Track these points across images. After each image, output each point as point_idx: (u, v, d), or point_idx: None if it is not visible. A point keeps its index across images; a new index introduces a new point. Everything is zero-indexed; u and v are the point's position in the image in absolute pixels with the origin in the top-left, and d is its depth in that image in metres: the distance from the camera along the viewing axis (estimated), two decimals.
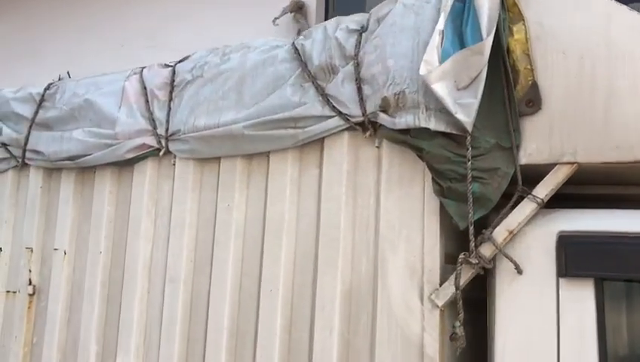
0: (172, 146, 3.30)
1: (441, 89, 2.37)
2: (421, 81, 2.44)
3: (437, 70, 2.37)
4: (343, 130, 2.79)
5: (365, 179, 2.76)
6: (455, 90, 2.40)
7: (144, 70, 3.52)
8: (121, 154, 3.39)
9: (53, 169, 3.83)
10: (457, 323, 2.36)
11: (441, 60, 2.40)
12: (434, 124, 2.44)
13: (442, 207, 2.54)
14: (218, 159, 3.20)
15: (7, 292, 3.90)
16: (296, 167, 2.95)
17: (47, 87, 3.89)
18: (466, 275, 2.43)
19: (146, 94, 3.43)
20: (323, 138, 2.85)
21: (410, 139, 2.53)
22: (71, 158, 3.59)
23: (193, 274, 3.18)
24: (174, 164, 3.34)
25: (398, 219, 2.62)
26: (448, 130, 2.44)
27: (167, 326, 3.17)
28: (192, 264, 3.19)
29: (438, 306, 2.47)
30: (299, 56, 2.92)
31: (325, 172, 2.83)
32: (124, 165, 3.50)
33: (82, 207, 3.68)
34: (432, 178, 2.53)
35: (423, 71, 2.37)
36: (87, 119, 3.60)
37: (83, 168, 3.68)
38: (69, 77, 4.18)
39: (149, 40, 6.34)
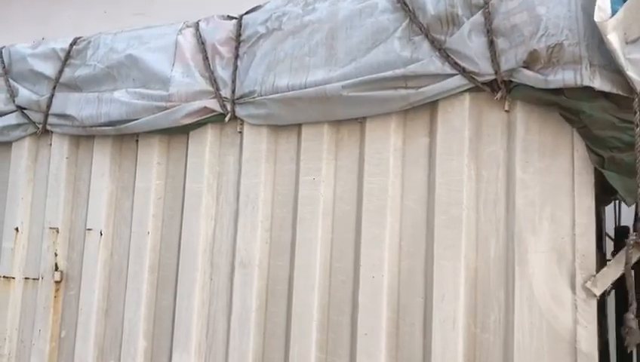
0: (240, 111, 2.84)
1: (615, 41, 2.01)
2: (588, 32, 2.07)
3: (612, 18, 2.01)
4: (463, 92, 2.40)
5: (491, 148, 2.38)
6: (624, 43, 2.05)
7: (200, 23, 3.03)
8: (177, 119, 2.91)
9: (82, 137, 3.32)
10: (630, 315, 2.02)
11: (612, 7, 2.04)
12: (599, 83, 2.08)
13: (596, 181, 2.19)
14: (297, 126, 2.77)
15: (26, 279, 3.36)
16: (400, 134, 2.55)
17: (74, 42, 3.35)
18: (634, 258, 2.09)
19: (205, 50, 2.95)
20: (435, 101, 2.45)
21: (565, 101, 2.16)
22: (111, 124, 3.08)
23: (269, 257, 2.75)
24: (241, 132, 2.88)
25: (539, 195, 2.25)
26: (614, 91, 2.08)
27: (239, 318, 2.73)
28: (268, 246, 2.76)
29: (595, 295, 2.13)
30: (404, 5, 2.51)
31: (440, 140, 2.44)
32: (176, 132, 3.02)
33: (121, 180, 3.19)
34: (588, 146, 2.17)
35: (597, 18, 2.00)
36: (130, 78, 3.10)
37: (121, 136, 3.19)
38: None
39: (136, 7, 5.86)
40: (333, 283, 2.60)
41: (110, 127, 3.09)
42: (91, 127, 3.15)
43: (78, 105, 3.18)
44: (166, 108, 2.93)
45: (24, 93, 3.40)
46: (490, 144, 2.38)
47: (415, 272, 2.44)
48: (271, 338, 2.69)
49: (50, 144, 3.41)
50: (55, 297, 3.24)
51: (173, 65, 2.97)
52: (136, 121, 3.00)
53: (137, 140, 3.15)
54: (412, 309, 2.43)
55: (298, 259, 2.65)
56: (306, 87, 2.62)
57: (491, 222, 2.34)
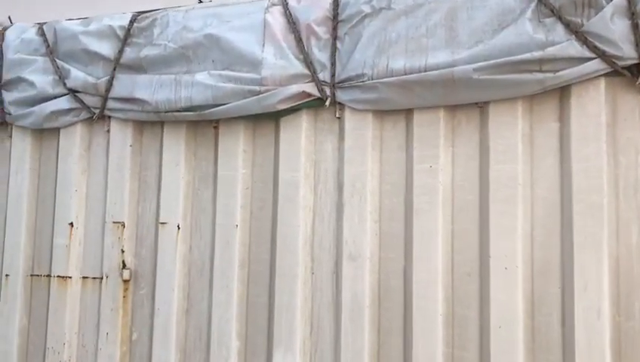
0: (342, 95, 2.68)
1: None
2: None
3: None
4: (598, 76, 2.34)
5: (629, 133, 2.34)
6: None
7: (289, 0, 2.83)
8: (272, 104, 2.72)
9: (146, 123, 3.06)
10: None
11: None
12: None
13: None
14: (404, 112, 2.64)
15: (84, 278, 3.08)
16: (527, 119, 2.47)
17: (134, 19, 3.07)
18: None
19: (297, 30, 2.76)
20: (566, 85, 2.38)
21: None
22: (192, 109, 2.85)
23: (379, 249, 2.62)
24: (339, 117, 2.72)
25: None
26: None
27: (350, 314, 2.59)
28: (378, 238, 2.62)
29: None
30: None
31: (575, 126, 2.37)
32: (263, 118, 2.82)
33: (198, 169, 2.96)
34: None
35: None
36: (209, 60, 2.87)
37: (195, 122, 2.95)
38: (11, 22, 3.37)
39: None
40: (456, 276, 2.50)
41: (191, 113, 2.85)
42: (167, 112, 2.89)
43: (149, 88, 2.92)
44: (259, 93, 2.72)
45: (77, 75, 3.09)
46: (627, 129, 2.34)
47: (551, 262, 2.38)
48: (387, 335, 2.56)
49: (108, 130, 3.13)
50: (124, 297, 2.99)
51: (263, 46, 2.77)
52: (223, 107, 2.78)
53: (217, 126, 2.92)
54: (549, 300, 2.36)
55: (416, 252, 2.53)
56: (426, 70, 2.49)
57: (632, 209, 2.30)
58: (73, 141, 3.17)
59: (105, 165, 3.12)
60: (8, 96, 3.26)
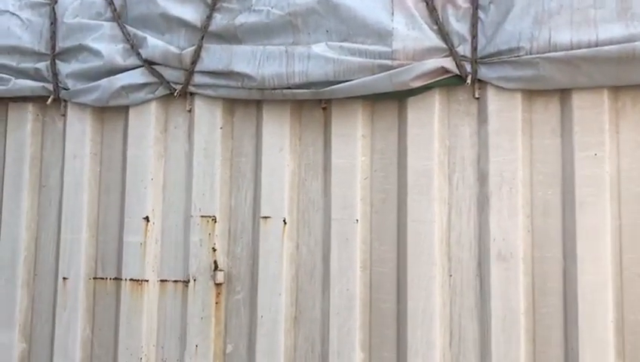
0: (488, 72, 2.37)
1: None
2: None
3: None
4: None
5: None
6: None
7: None
8: (406, 81, 2.36)
9: (238, 102, 2.65)
10: None
11: None
12: None
13: None
14: (559, 92, 2.34)
15: (163, 281, 2.65)
16: None
17: None
18: None
19: None
20: None
21: None
22: (308, 85, 2.45)
23: (532, 248, 2.31)
24: (478, 98, 2.40)
25: None
26: None
27: (503, 322, 2.28)
28: (530, 235, 2.32)
29: None
30: None
31: None
32: (381, 98, 2.47)
33: (305, 156, 2.58)
34: None
35: None
36: (322, 29, 2.48)
37: (300, 102, 2.57)
38: None
39: None
40: (625, 278, 2.22)
41: (305, 90, 2.46)
42: (275, 89, 2.49)
43: (253, 61, 2.50)
44: (390, 68, 2.36)
45: (156, 44, 2.64)
46: None
47: None
48: (545, 345, 2.27)
49: (190, 110, 2.69)
50: (216, 304, 2.57)
51: (392, 14, 2.40)
52: (347, 83, 2.40)
53: (327, 107, 2.54)
54: None
55: (581, 251, 2.23)
56: (597, 45, 2.19)
57: None
58: (147, 121, 2.71)
59: (186, 150, 2.69)
60: (65, 68, 2.77)
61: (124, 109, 2.76)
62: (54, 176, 2.82)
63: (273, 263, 2.51)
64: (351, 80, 2.40)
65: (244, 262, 2.58)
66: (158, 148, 2.70)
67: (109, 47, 2.69)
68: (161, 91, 2.69)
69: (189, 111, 2.70)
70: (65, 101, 2.82)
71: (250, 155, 2.62)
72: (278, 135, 2.56)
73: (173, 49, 2.62)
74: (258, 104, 2.62)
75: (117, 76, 2.68)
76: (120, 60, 2.68)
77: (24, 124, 2.85)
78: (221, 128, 2.63)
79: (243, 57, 2.52)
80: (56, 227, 2.79)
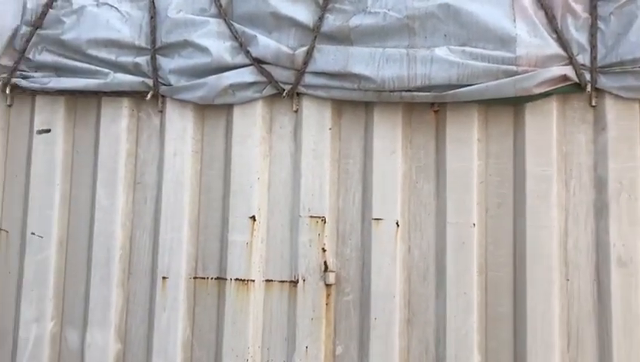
0: (607, 81, 2.44)
1: None
2: None
3: None
4: None
5: None
6: None
7: None
8: (529, 87, 2.41)
9: (346, 103, 2.65)
10: None
11: None
12: None
13: None
14: None
15: (269, 281, 2.63)
16: None
17: None
18: None
19: (550, 6, 2.47)
20: None
21: None
22: (430, 88, 2.47)
23: None
24: (594, 106, 2.46)
25: None
26: None
27: (623, 327, 2.33)
28: None
29: None
30: None
31: None
32: (495, 103, 2.51)
33: (416, 159, 2.60)
34: None
35: None
36: (440, 34, 2.50)
37: (410, 105, 2.59)
38: None
39: None
40: None
41: (427, 93, 2.47)
42: (393, 91, 2.49)
43: (372, 63, 2.51)
44: (515, 74, 2.39)
45: (268, 44, 2.62)
46: None
47: None
48: None
49: (296, 110, 2.67)
50: (327, 305, 2.56)
51: (514, 21, 2.44)
52: (469, 88, 2.42)
53: (437, 111, 2.56)
54: None
55: None
56: None
57: None
58: (252, 120, 2.68)
59: (292, 150, 2.67)
60: (167, 63, 2.72)
61: (226, 107, 2.72)
62: (150, 173, 2.77)
63: (386, 265, 2.52)
64: (473, 84, 2.42)
65: (353, 263, 2.57)
66: (264, 147, 2.68)
67: (216, 44, 2.65)
68: (268, 91, 2.67)
69: (296, 111, 2.68)
70: (163, 97, 2.77)
71: (359, 157, 2.62)
72: (389, 138, 2.57)
73: (285, 49, 2.60)
74: (367, 106, 2.62)
75: (225, 74, 2.65)
76: (228, 58, 2.65)
77: (119, 119, 2.78)
78: (330, 129, 2.62)
79: (361, 59, 2.52)
80: (152, 225, 2.73)
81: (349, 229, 2.59)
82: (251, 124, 2.68)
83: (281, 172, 2.66)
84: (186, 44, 2.69)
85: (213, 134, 2.75)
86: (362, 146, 2.62)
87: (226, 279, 2.63)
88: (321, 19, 2.61)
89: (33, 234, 2.78)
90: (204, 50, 2.65)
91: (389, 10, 2.54)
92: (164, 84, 2.74)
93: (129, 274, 2.75)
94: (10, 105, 2.90)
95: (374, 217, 2.54)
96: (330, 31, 2.60)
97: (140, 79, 2.73)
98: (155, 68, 2.73)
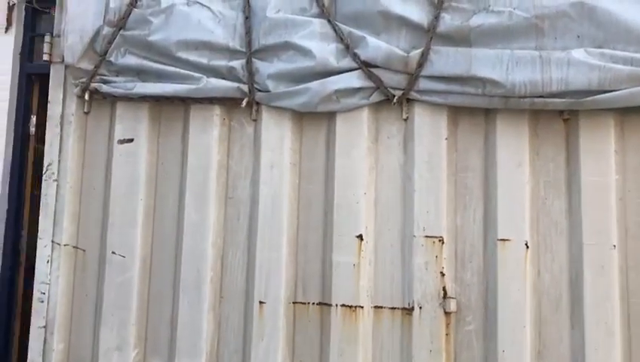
0: None
1: None
2: None
3: None
4: None
5: None
6: None
7: None
8: None
9: (463, 111, 2.41)
10: None
11: None
12: None
13: None
14: None
15: (378, 308, 2.37)
16: None
17: None
18: None
19: None
20: None
21: None
22: (566, 94, 2.23)
23: None
24: None
25: None
26: None
27: None
28: None
29: None
30: None
31: None
32: (630, 111, 2.27)
33: (544, 172, 2.36)
34: None
35: None
36: (573, 34, 2.28)
37: (536, 112, 2.35)
38: None
39: None
40: None
41: (562, 99, 2.24)
42: (524, 97, 2.25)
43: (499, 66, 2.27)
44: None
45: (378, 46, 2.39)
46: None
47: None
48: None
49: (406, 119, 2.44)
50: (447, 335, 2.30)
51: None
52: (612, 93, 2.18)
53: (567, 119, 2.32)
54: None
55: None
56: None
57: None
58: (358, 130, 2.45)
59: (401, 162, 2.43)
60: (266, 68, 2.49)
61: (327, 116, 2.50)
62: (243, 187, 2.54)
63: (515, 291, 2.26)
64: (616, 90, 2.18)
65: (474, 288, 2.32)
66: (370, 159, 2.44)
67: (320, 47, 2.43)
68: (375, 97, 2.44)
69: (405, 119, 2.44)
70: (257, 104, 2.54)
71: (479, 170, 2.37)
72: (514, 148, 2.33)
73: (398, 51, 2.38)
74: (487, 114, 2.39)
75: (329, 79, 2.42)
76: (333, 61, 2.42)
77: (210, 128, 2.56)
78: (446, 139, 2.38)
79: (486, 61, 2.29)
80: (246, 243, 2.49)
81: (469, 251, 2.34)
82: (357, 133, 2.45)
83: (389, 186, 2.42)
84: (286, 47, 2.46)
85: (313, 145, 2.52)
86: (483, 158, 2.38)
87: (330, 305, 2.38)
88: (437, 18, 2.38)
89: (114, 253, 2.54)
90: (307, 52, 2.43)
91: (514, 8, 2.32)
92: (261, 90, 2.52)
93: (221, 298, 2.50)
94: (87, 113, 2.68)
95: (500, 238, 2.29)
96: (446, 31, 2.37)
97: (235, 85, 2.51)
98: (251, 72, 2.51)
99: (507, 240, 2.29)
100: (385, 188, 2.43)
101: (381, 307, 2.37)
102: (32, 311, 2.58)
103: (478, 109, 2.38)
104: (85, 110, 2.67)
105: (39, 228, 2.61)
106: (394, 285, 2.38)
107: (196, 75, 2.51)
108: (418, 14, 2.40)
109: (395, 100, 2.42)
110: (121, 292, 2.53)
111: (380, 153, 2.46)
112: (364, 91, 2.43)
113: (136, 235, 2.55)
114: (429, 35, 2.37)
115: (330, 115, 2.49)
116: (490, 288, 2.30)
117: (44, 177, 2.64)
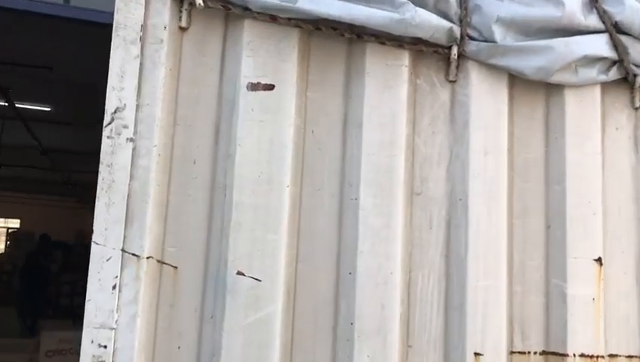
0: None
1: None
2: None
3: None
4: None
5: None
6: None
7: None
8: None
9: None
10: None
11: None
12: None
13: None
14: None
15: (613, 356, 1.77)
16: None
17: None
18: None
19: None
20: None
21: None
22: None
23: None
24: None
25: None
26: None
27: None
28: None
29: None
30: None
31: None
32: None
33: None
34: None
35: None
36: None
37: None
38: None
39: None
40: None
41: None
42: None
43: None
44: None
45: (638, 8, 1.79)
46: None
47: None
48: None
49: (637, 108, 1.89)
50: None
51: None
52: None
53: None
54: None
55: None
56: None
57: None
58: (592, 116, 1.82)
59: (633, 163, 1.86)
60: (494, 7, 1.70)
61: (543, 89, 1.80)
62: (437, 179, 1.70)
63: None
64: None
65: None
66: (601, 156, 1.82)
67: None
68: (614, 73, 1.83)
69: (637, 109, 1.88)
70: (460, 59, 1.72)
71: None
72: None
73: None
74: None
75: (574, 39, 1.74)
76: (580, 17, 1.75)
77: (397, 85, 1.67)
78: None
79: None
80: (443, 263, 1.66)
81: None
82: (590, 120, 1.80)
83: (622, 193, 1.83)
84: None
85: (528, 127, 1.79)
86: None
87: (565, 355, 1.68)
88: None
89: (241, 274, 1.48)
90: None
91: None
92: (476, 39, 1.71)
93: (408, 347, 1.61)
94: (186, 28, 1.55)
95: None
96: None
97: (448, 24, 1.66)
98: (467, 9, 1.68)
99: None
100: (615, 196, 1.83)
101: (617, 355, 1.76)
102: None
103: None
104: (183, 24, 1.54)
105: (93, 227, 1.40)
106: (629, 326, 1.79)
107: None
108: None
109: (638, 83, 1.83)
110: (253, 342, 1.47)
111: (606, 148, 1.85)
112: (603, 63, 1.80)
113: (279, 246, 1.52)
114: None
115: (548, 89, 1.80)
116: None
117: (105, 131, 1.43)
